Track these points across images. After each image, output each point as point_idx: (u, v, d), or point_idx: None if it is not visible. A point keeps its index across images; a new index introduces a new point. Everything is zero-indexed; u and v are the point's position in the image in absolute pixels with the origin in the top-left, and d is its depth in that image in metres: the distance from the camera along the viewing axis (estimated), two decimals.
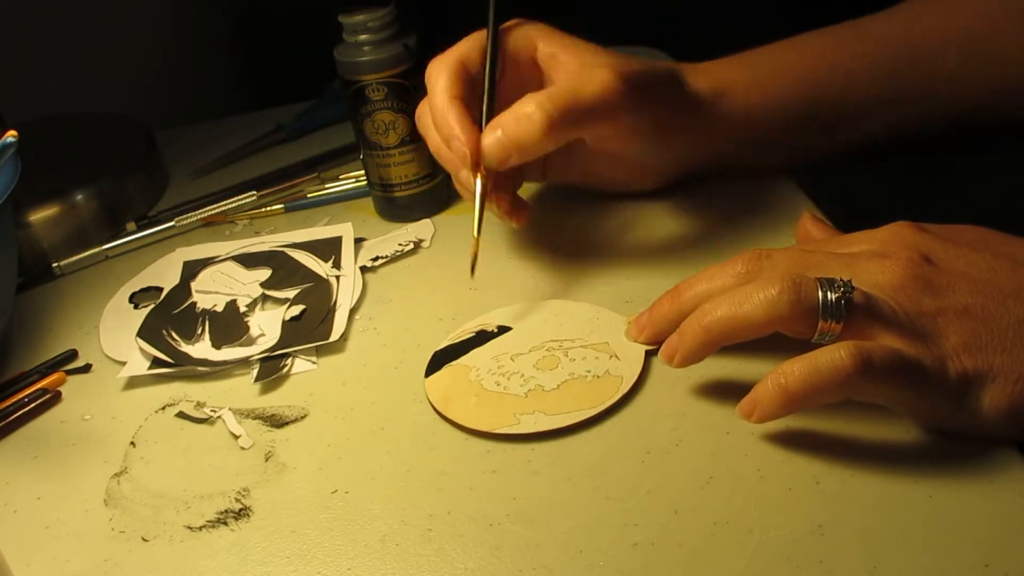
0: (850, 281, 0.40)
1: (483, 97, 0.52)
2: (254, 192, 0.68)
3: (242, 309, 0.56)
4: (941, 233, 0.43)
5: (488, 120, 0.51)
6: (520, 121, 0.49)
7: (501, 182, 0.53)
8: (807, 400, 0.39)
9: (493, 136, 0.49)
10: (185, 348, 0.53)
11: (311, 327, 0.53)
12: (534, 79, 0.54)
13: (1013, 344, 0.39)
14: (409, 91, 0.59)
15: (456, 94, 0.51)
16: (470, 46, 0.53)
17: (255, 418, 0.48)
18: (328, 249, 0.60)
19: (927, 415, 0.40)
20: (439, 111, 0.51)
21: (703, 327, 0.42)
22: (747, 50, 0.57)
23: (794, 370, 0.39)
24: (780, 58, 0.56)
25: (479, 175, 0.51)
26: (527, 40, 0.54)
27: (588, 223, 0.59)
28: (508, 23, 0.54)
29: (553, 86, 0.51)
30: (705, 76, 0.56)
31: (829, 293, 0.39)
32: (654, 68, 0.54)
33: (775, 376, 0.39)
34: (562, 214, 0.60)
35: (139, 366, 0.53)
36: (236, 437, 0.47)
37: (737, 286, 0.42)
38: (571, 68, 0.52)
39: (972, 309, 0.40)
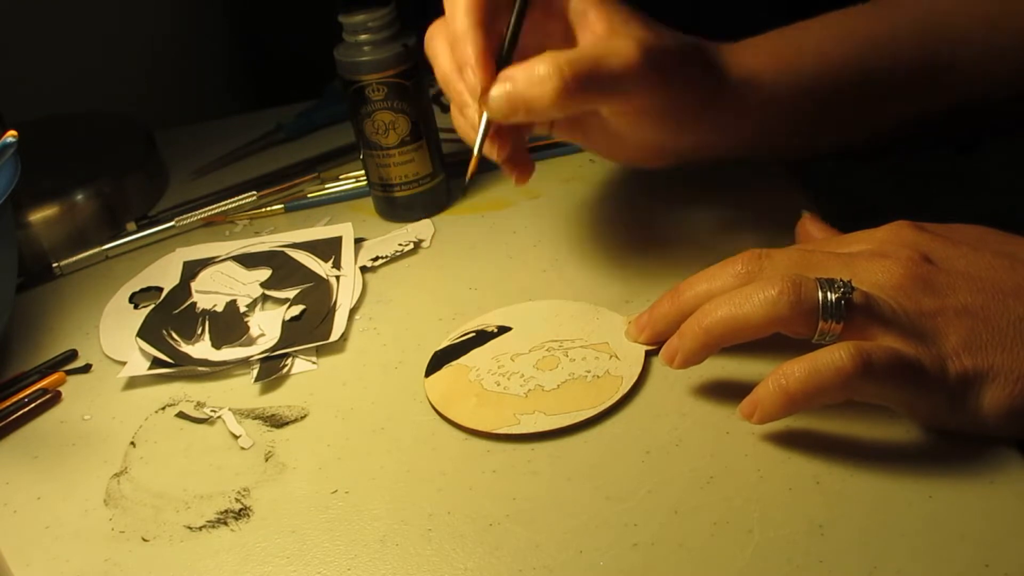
0: (850, 281, 0.40)
1: (506, 34, 0.49)
2: (254, 192, 0.68)
3: (242, 309, 0.56)
4: (941, 232, 0.43)
5: (506, 62, 0.48)
6: (533, 81, 0.46)
7: (506, 127, 0.50)
8: (808, 401, 0.39)
9: (502, 88, 0.46)
10: (185, 348, 0.53)
11: (311, 327, 0.53)
12: (559, 30, 0.50)
13: (1013, 343, 0.39)
14: (409, 91, 0.59)
15: (479, 19, 0.47)
16: None
17: (255, 418, 0.48)
18: (328, 249, 0.60)
19: (927, 415, 0.40)
20: (459, 34, 0.47)
21: (703, 328, 0.42)
22: (774, 30, 0.54)
23: (794, 371, 0.39)
24: (808, 39, 0.54)
25: (485, 111, 0.48)
26: None
27: (588, 223, 0.59)
28: None
29: (574, 50, 0.47)
30: (736, 59, 0.53)
31: (829, 293, 0.39)
32: (684, 47, 0.50)
33: (775, 377, 0.39)
34: (562, 214, 0.61)
35: (139, 366, 0.53)
36: (236, 437, 0.47)
37: (737, 286, 0.42)
38: (598, 32, 0.48)
39: (972, 308, 0.40)
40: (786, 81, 0.53)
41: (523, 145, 0.53)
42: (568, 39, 0.50)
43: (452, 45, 0.48)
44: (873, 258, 0.42)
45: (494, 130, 0.49)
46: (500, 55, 0.49)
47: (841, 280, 0.40)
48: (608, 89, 0.47)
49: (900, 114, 0.55)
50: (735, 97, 0.52)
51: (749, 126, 0.53)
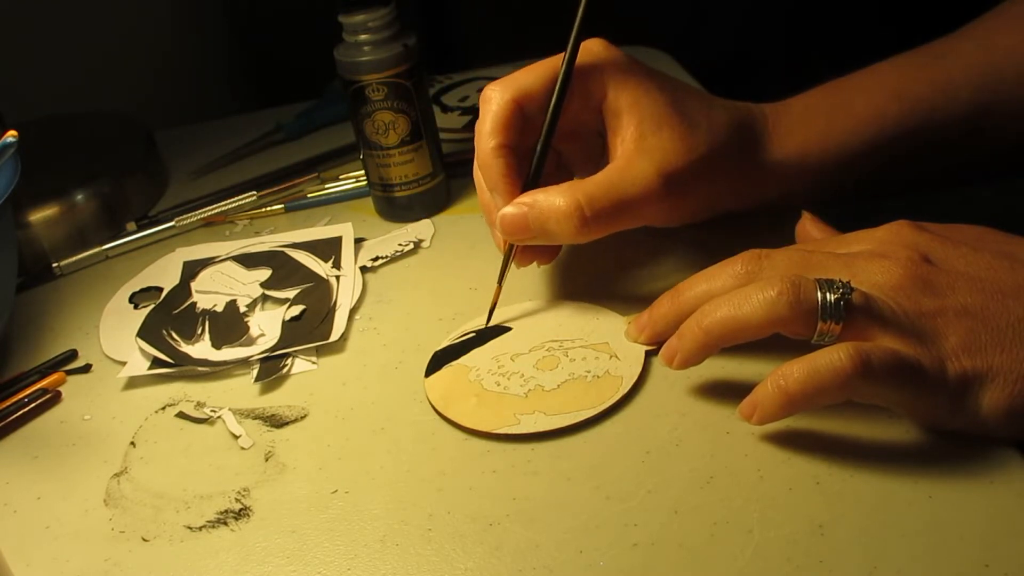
0: (849, 282, 0.40)
1: (536, 151, 0.49)
2: (254, 192, 0.68)
3: (242, 309, 0.56)
4: (941, 232, 0.43)
5: (533, 185, 0.49)
6: (554, 215, 0.47)
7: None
8: (807, 402, 0.39)
9: (518, 211, 0.48)
10: (185, 348, 0.53)
11: (311, 327, 0.53)
12: (592, 122, 0.50)
13: (1012, 343, 0.39)
14: (409, 91, 0.59)
15: (502, 142, 0.49)
16: (532, 81, 0.49)
17: (255, 418, 0.48)
18: (328, 249, 0.60)
19: (927, 415, 0.40)
20: (483, 162, 0.49)
21: (702, 329, 0.42)
22: (829, 83, 0.54)
23: (793, 372, 0.38)
24: (862, 98, 0.53)
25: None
26: (599, 84, 0.49)
27: None
28: (586, 48, 0.49)
29: (594, 182, 0.48)
30: (781, 135, 0.53)
31: (828, 294, 0.39)
32: (725, 142, 0.50)
33: (774, 378, 0.39)
34: None
35: (139, 366, 0.53)
36: (236, 437, 0.47)
37: (737, 286, 0.42)
38: (626, 139, 0.48)
39: (972, 309, 0.40)
40: (835, 153, 0.53)
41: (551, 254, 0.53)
42: (600, 132, 0.51)
43: (481, 171, 0.50)
44: (872, 258, 0.42)
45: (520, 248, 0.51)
46: (528, 174, 0.50)
47: (840, 280, 0.40)
48: (627, 216, 0.48)
49: (946, 167, 0.55)
50: (783, 176, 0.53)
51: (786, 195, 0.53)
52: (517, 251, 0.51)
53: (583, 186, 0.48)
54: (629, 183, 0.48)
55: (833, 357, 0.38)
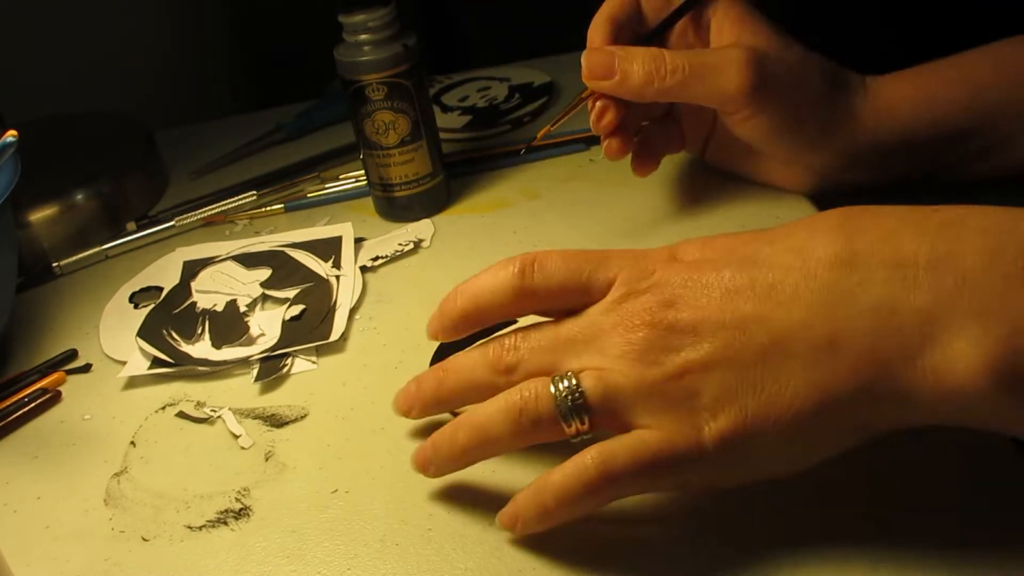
0: (577, 381, 0.37)
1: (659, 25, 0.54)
2: (254, 192, 0.68)
3: (242, 309, 0.56)
4: (695, 255, 0.39)
5: (647, 41, 0.53)
6: (637, 53, 0.51)
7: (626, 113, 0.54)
8: (565, 512, 0.37)
9: (607, 49, 0.52)
10: (185, 348, 0.53)
11: (311, 327, 0.53)
12: (698, 44, 0.55)
13: (763, 381, 0.35)
14: (409, 91, 0.59)
15: (615, 14, 0.54)
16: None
17: (255, 418, 0.48)
18: (328, 249, 0.60)
19: (707, 486, 0.38)
20: (593, 23, 0.54)
21: (457, 447, 0.40)
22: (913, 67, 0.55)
23: (550, 481, 0.37)
24: (946, 76, 0.54)
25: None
26: (711, 7, 0.54)
27: (588, 223, 0.59)
28: None
29: (683, 51, 0.52)
30: (874, 85, 0.54)
31: (563, 397, 0.37)
32: (817, 65, 0.53)
33: (533, 487, 0.38)
34: (562, 214, 0.61)
35: (139, 366, 0.53)
36: (236, 437, 0.47)
37: (494, 380, 0.40)
38: (723, 40, 0.53)
39: (716, 355, 0.35)
40: (927, 111, 0.53)
41: (631, 130, 0.55)
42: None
43: (590, 29, 0.54)
44: (614, 330, 0.37)
45: (617, 121, 0.53)
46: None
47: (568, 380, 0.37)
48: (705, 86, 0.51)
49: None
50: (863, 124, 0.53)
51: (870, 152, 0.54)
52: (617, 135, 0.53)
53: (673, 52, 0.51)
54: (714, 54, 0.52)
55: (579, 463, 0.36)
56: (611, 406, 0.37)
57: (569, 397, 0.37)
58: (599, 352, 0.37)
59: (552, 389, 0.37)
